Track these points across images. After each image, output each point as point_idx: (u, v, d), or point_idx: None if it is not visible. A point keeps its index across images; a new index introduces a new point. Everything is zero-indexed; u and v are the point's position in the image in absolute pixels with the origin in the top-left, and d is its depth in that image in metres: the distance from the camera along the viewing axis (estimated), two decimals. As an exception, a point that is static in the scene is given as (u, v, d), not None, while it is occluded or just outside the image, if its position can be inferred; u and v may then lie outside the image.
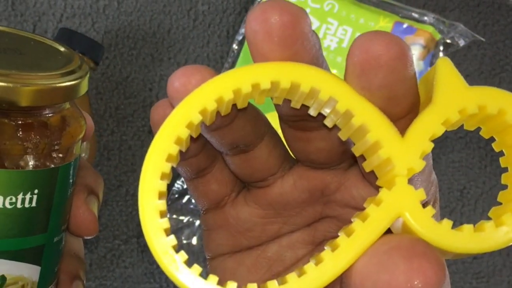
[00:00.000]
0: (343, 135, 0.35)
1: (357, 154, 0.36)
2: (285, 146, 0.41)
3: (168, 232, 0.35)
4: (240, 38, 0.88)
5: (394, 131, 0.34)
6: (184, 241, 0.87)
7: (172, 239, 0.35)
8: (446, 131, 0.36)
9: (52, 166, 0.41)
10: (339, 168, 0.40)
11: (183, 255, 0.34)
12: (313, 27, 0.86)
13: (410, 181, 0.35)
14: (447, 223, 0.33)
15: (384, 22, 0.86)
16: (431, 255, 0.32)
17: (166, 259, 0.34)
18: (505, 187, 0.36)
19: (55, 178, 0.42)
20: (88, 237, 0.48)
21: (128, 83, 0.87)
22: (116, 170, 0.87)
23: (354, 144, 0.36)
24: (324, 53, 0.84)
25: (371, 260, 0.34)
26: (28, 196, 0.41)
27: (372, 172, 0.36)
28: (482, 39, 0.90)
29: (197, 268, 0.35)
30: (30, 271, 0.43)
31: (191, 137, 0.36)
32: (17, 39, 0.45)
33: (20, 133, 0.40)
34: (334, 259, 0.33)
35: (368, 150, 0.35)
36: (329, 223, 0.42)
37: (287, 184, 0.41)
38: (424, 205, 0.34)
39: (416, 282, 0.30)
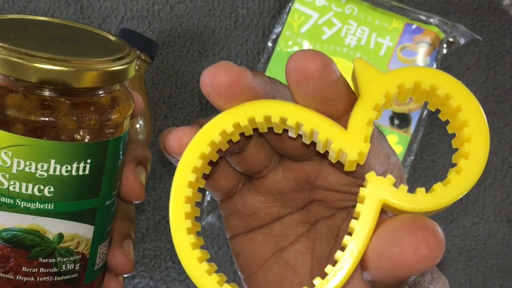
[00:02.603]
0: (305, 141, 0.38)
1: (322, 152, 0.39)
2: None
3: (197, 247, 0.38)
4: (274, 37, 0.89)
5: (338, 127, 0.37)
6: (223, 215, 0.91)
7: (204, 255, 0.38)
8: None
9: (103, 139, 0.42)
10: (315, 160, 0.42)
11: (215, 277, 0.38)
12: (336, 28, 0.87)
13: (371, 165, 0.39)
14: (420, 191, 0.37)
15: (396, 24, 0.87)
16: (430, 226, 0.35)
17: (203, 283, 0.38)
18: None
19: (105, 149, 0.43)
20: (136, 202, 0.49)
21: (179, 75, 0.88)
22: (169, 149, 0.91)
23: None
24: (345, 50, 0.86)
25: (382, 239, 0.36)
26: (81, 165, 0.42)
27: (339, 161, 0.39)
28: (480, 38, 0.91)
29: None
30: (84, 230, 0.44)
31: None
32: (74, 30, 0.46)
33: (75, 110, 0.41)
34: (349, 256, 0.37)
35: (324, 147, 0.38)
36: (318, 205, 0.44)
37: (277, 175, 0.43)
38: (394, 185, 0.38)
39: (422, 250, 0.34)
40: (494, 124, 0.95)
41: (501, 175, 0.95)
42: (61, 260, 0.44)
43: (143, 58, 0.80)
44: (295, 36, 0.88)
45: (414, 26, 0.88)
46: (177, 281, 0.90)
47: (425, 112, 0.89)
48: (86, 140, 0.42)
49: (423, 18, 0.89)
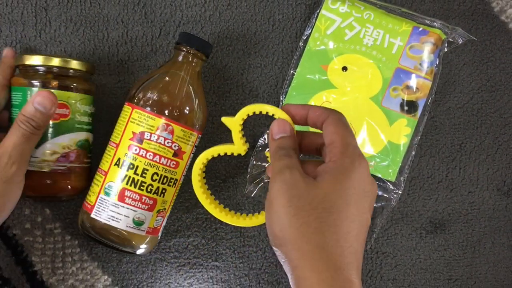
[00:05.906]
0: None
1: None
2: None
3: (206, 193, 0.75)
4: (304, 38, 0.90)
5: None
6: (266, 180, 0.88)
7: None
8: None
9: None
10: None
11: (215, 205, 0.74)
12: (356, 30, 0.88)
13: None
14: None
15: (405, 27, 0.89)
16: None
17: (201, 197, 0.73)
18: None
19: None
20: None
21: (226, 69, 0.91)
22: (218, 130, 0.91)
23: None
24: (363, 49, 0.87)
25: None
26: None
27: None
28: (475, 38, 0.94)
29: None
30: None
31: None
32: None
33: None
34: None
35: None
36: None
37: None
38: None
39: None
40: (487, 110, 0.95)
41: (492, 152, 0.96)
42: None
43: (199, 55, 0.81)
44: (322, 37, 0.90)
45: (420, 29, 0.89)
46: (224, 240, 0.92)
47: (430, 100, 0.89)
48: None
49: (428, 22, 0.91)
